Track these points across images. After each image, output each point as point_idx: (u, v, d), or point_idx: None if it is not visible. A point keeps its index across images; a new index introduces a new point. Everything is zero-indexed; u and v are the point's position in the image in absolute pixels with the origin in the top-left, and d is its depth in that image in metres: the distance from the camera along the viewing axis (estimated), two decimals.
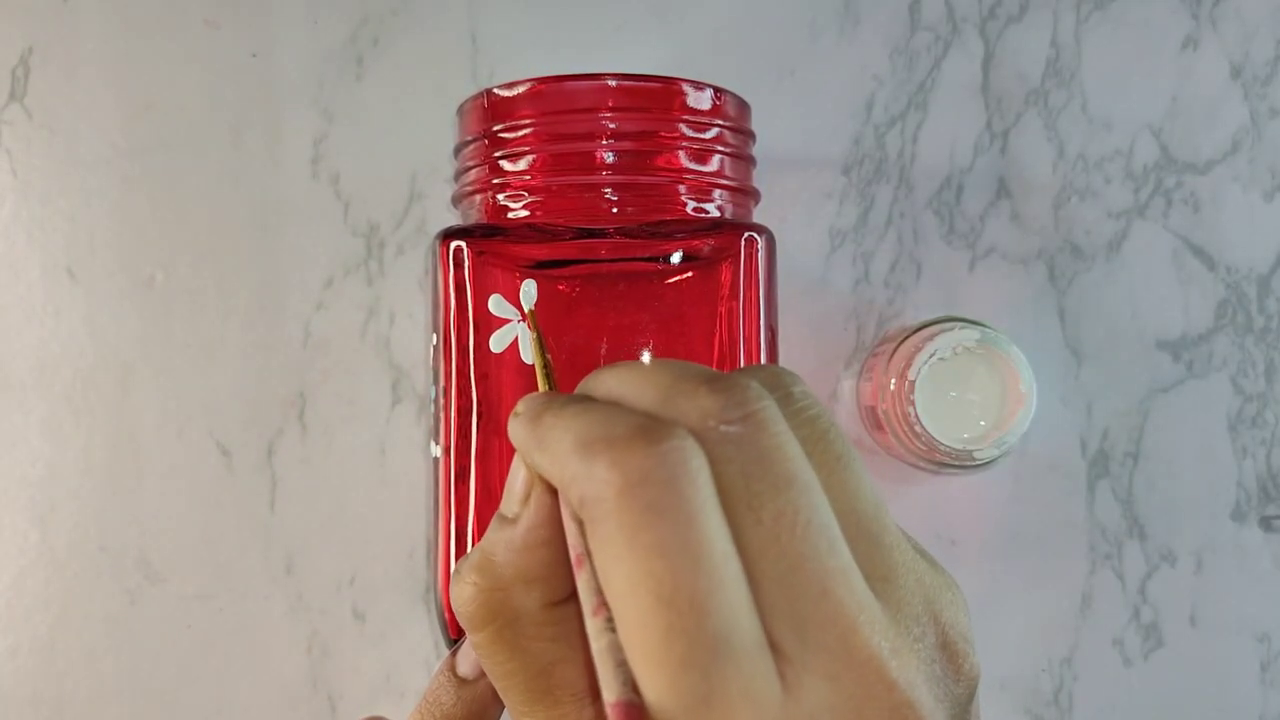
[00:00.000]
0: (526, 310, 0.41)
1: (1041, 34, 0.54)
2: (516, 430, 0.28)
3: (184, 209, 0.53)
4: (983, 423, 0.50)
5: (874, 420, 0.51)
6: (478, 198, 0.43)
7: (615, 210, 0.41)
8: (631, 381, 0.27)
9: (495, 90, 0.42)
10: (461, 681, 0.38)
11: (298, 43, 0.54)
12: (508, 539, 0.28)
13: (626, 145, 0.41)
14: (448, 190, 0.46)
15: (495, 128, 0.42)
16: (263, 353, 0.53)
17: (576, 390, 0.29)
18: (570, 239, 0.41)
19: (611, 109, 0.41)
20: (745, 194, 0.44)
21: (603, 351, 0.42)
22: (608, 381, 0.28)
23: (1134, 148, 0.54)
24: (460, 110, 0.44)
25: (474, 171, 0.43)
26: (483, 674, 0.38)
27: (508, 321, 0.41)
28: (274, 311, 0.53)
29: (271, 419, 0.53)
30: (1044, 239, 0.54)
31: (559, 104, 0.42)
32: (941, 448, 0.48)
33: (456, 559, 0.42)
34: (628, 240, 0.41)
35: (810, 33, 0.54)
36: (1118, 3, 0.54)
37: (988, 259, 0.54)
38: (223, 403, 0.53)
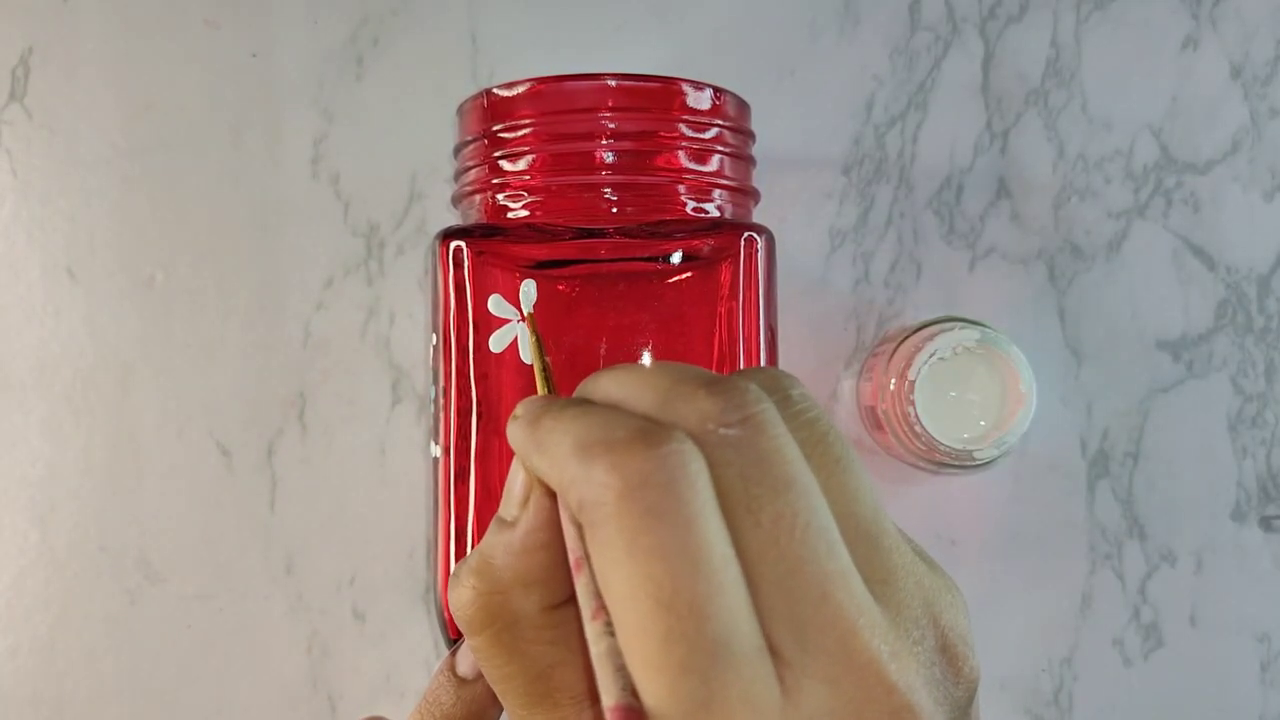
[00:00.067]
0: (526, 312, 0.41)
1: (1041, 34, 0.54)
2: (515, 433, 0.28)
3: (184, 209, 0.53)
4: (983, 423, 0.50)
5: (874, 420, 0.51)
6: (477, 198, 0.43)
7: (615, 210, 0.41)
8: (630, 384, 0.27)
9: (495, 90, 0.42)
10: (461, 681, 0.38)
11: (298, 43, 0.54)
12: (506, 542, 0.28)
13: (626, 145, 0.41)
14: (448, 190, 0.46)
15: (495, 128, 0.42)
16: (263, 353, 0.53)
17: (575, 394, 0.29)
18: (570, 239, 0.41)
19: (611, 109, 0.41)
20: (745, 194, 0.44)
21: (602, 351, 0.42)
22: (606, 384, 0.28)
23: (1134, 148, 0.54)
24: (460, 110, 0.44)
25: (474, 171, 0.43)
26: (482, 674, 0.38)
27: (507, 321, 0.41)
28: (274, 311, 0.53)
29: (271, 419, 0.53)
30: (1044, 239, 0.54)
31: (559, 104, 0.42)
32: (941, 448, 0.48)
33: (456, 559, 0.42)
34: (627, 240, 0.41)
35: (810, 33, 0.54)
36: (1118, 3, 0.54)
37: (988, 259, 0.54)
38: (223, 403, 0.53)
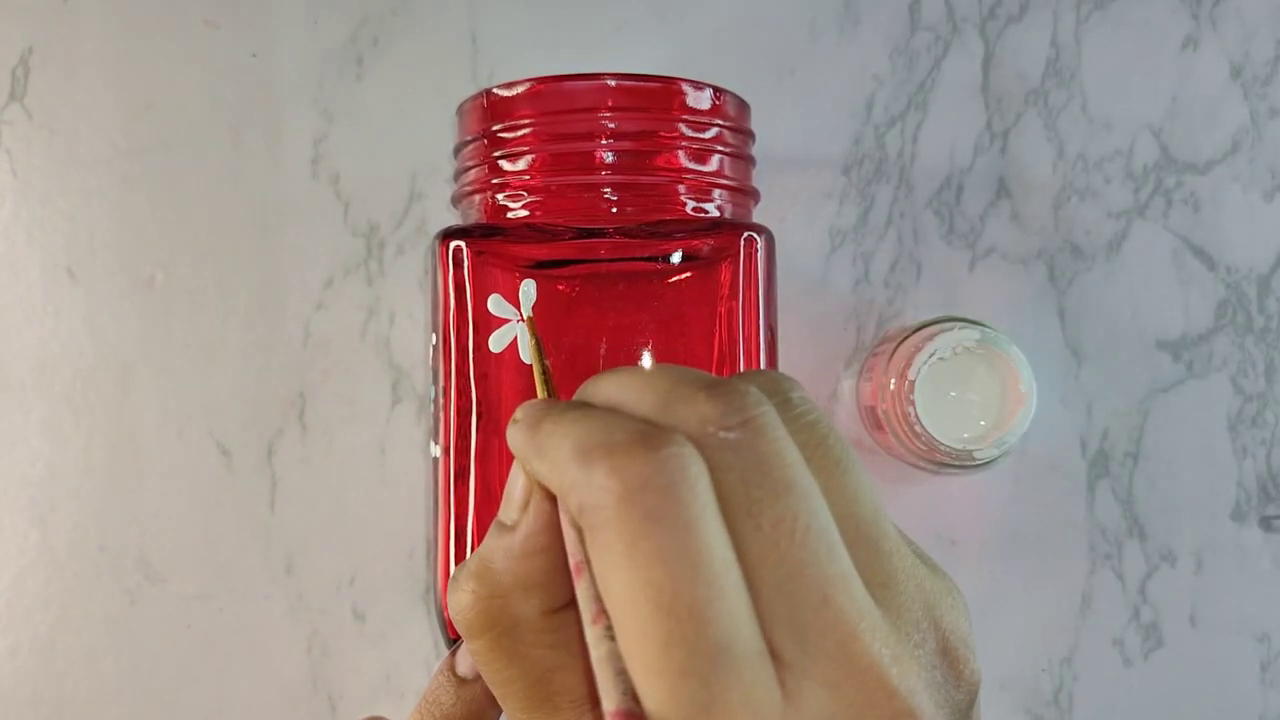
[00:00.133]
0: (525, 313, 0.41)
1: (1041, 34, 0.54)
2: (515, 437, 0.28)
3: (184, 209, 0.53)
4: (983, 423, 0.50)
5: (874, 420, 0.51)
6: (477, 198, 0.43)
7: (614, 210, 0.41)
8: (630, 387, 0.27)
9: (495, 90, 0.42)
10: (461, 681, 0.38)
11: (298, 43, 0.54)
12: (506, 546, 0.28)
13: (626, 145, 0.41)
14: (448, 190, 0.46)
15: (494, 127, 0.42)
16: (263, 353, 0.53)
17: (574, 397, 0.29)
18: (569, 239, 0.41)
19: (611, 109, 0.41)
20: (745, 194, 0.44)
21: (602, 351, 0.42)
22: (606, 387, 0.28)
23: (1134, 148, 0.54)
24: (460, 110, 0.44)
25: (473, 171, 0.43)
26: (481, 674, 0.38)
27: (507, 321, 0.41)
28: (274, 311, 0.53)
29: (271, 419, 0.53)
30: (1044, 239, 0.54)
31: (558, 104, 0.42)
32: (941, 448, 0.48)
33: (456, 559, 0.42)
34: (627, 240, 0.41)
35: (810, 33, 0.54)
36: (1118, 3, 0.54)
37: (988, 259, 0.54)
38: (223, 403, 0.53)
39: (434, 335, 0.43)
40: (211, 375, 0.53)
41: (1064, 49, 0.54)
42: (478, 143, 0.43)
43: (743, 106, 0.44)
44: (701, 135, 0.42)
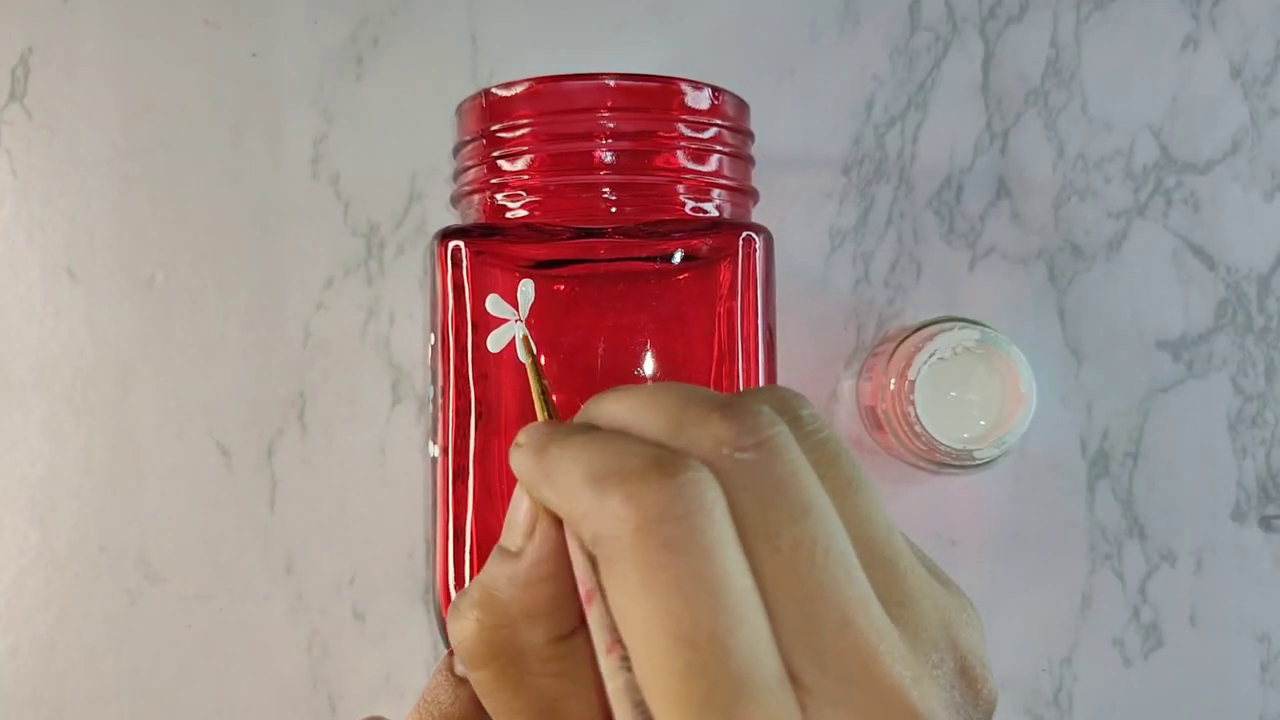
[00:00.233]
0: (519, 336, 0.41)
1: (1041, 34, 0.54)
2: (520, 462, 0.27)
3: (184, 209, 0.53)
4: (983, 423, 0.50)
5: (874, 420, 0.51)
6: (476, 197, 0.43)
7: (614, 210, 0.41)
8: (637, 408, 0.26)
9: (494, 90, 0.42)
10: (460, 680, 0.38)
11: (298, 43, 0.54)
12: (511, 573, 0.28)
13: (625, 145, 0.41)
14: (448, 190, 0.46)
15: (494, 127, 0.42)
16: (263, 353, 0.53)
17: (577, 418, 0.28)
18: (568, 239, 0.41)
19: (610, 109, 0.41)
20: (744, 194, 0.44)
21: (600, 351, 0.42)
22: (611, 408, 0.27)
23: (1134, 148, 0.54)
24: (459, 110, 0.44)
25: (472, 171, 0.43)
26: None
27: (505, 321, 0.41)
28: (274, 311, 0.53)
29: (271, 419, 0.53)
30: (1044, 239, 0.54)
31: (557, 104, 0.42)
32: (941, 448, 0.48)
33: (456, 559, 0.42)
34: (626, 240, 0.41)
35: (810, 33, 0.54)
36: (1118, 3, 0.54)
37: (988, 259, 0.54)
38: (223, 403, 0.53)
39: (433, 335, 0.43)
40: (211, 375, 0.53)
41: (1064, 49, 0.54)
42: (477, 143, 0.43)
43: (742, 106, 0.44)
44: (700, 135, 0.42)
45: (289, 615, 0.53)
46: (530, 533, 0.27)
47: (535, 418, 0.42)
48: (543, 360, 0.42)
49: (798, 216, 0.54)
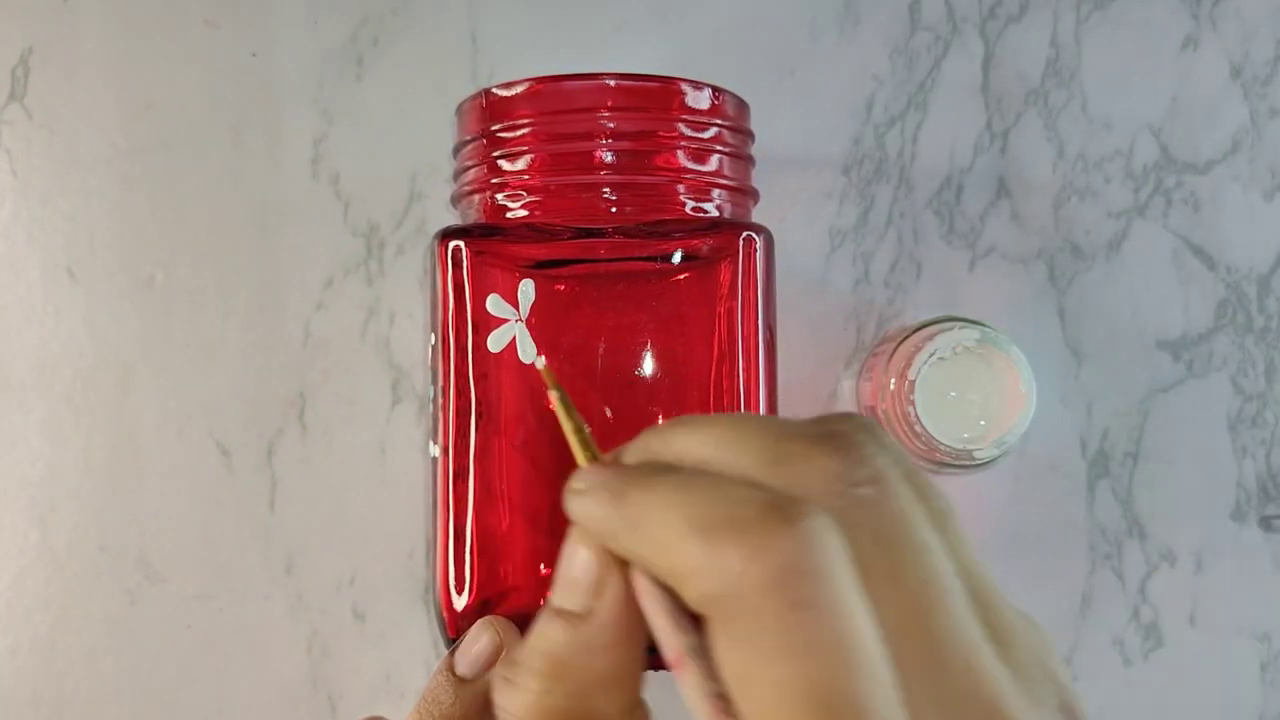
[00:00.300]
0: (542, 364, 0.39)
1: (1041, 34, 0.54)
2: (589, 510, 0.25)
3: (184, 209, 0.53)
4: (983, 423, 0.50)
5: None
6: (476, 197, 0.43)
7: (614, 210, 0.41)
8: (719, 442, 0.24)
9: (494, 90, 0.42)
10: (460, 681, 0.38)
11: (298, 43, 0.54)
12: (583, 640, 0.25)
13: (625, 145, 0.41)
14: (448, 190, 0.46)
15: (494, 127, 0.42)
16: (263, 353, 0.53)
17: (634, 454, 0.26)
18: (569, 239, 0.41)
19: (610, 109, 0.41)
20: (744, 194, 0.44)
21: (600, 351, 0.42)
22: (685, 443, 0.25)
23: (1134, 148, 0.54)
24: (459, 110, 0.44)
25: (473, 171, 0.43)
26: (481, 673, 0.38)
27: (505, 321, 0.41)
28: (274, 311, 0.53)
29: (271, 419, 0.53)
30: (1044, 239, 0.54)
31: (557, 104, 0.42)
32: (941, 448, 0.48)
33: (456, 559, 0.42)
34: (626, 240, 0.41)
35: (810, 33, 0.54)
36: (1118, 3, 0.54)
37: (988, 259, 0.54)
38: (223, 403, 0.53)
39: (433, 335, 0.43)
40: (211, 375, 0.53)
41: (1064, 49, 0.54)
42: (477, 142, 0.43)
43: (742, 106, 0.44)
44: (700, 135, 0.42)
45: (289, 615, 0.53)
46: (597, 591, 0.25)
47: (533, 417, 0.42)
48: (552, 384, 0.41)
49: (798, 216, 0.54)
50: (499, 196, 0.42)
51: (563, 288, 0.42)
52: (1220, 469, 0.54)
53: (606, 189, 0.41)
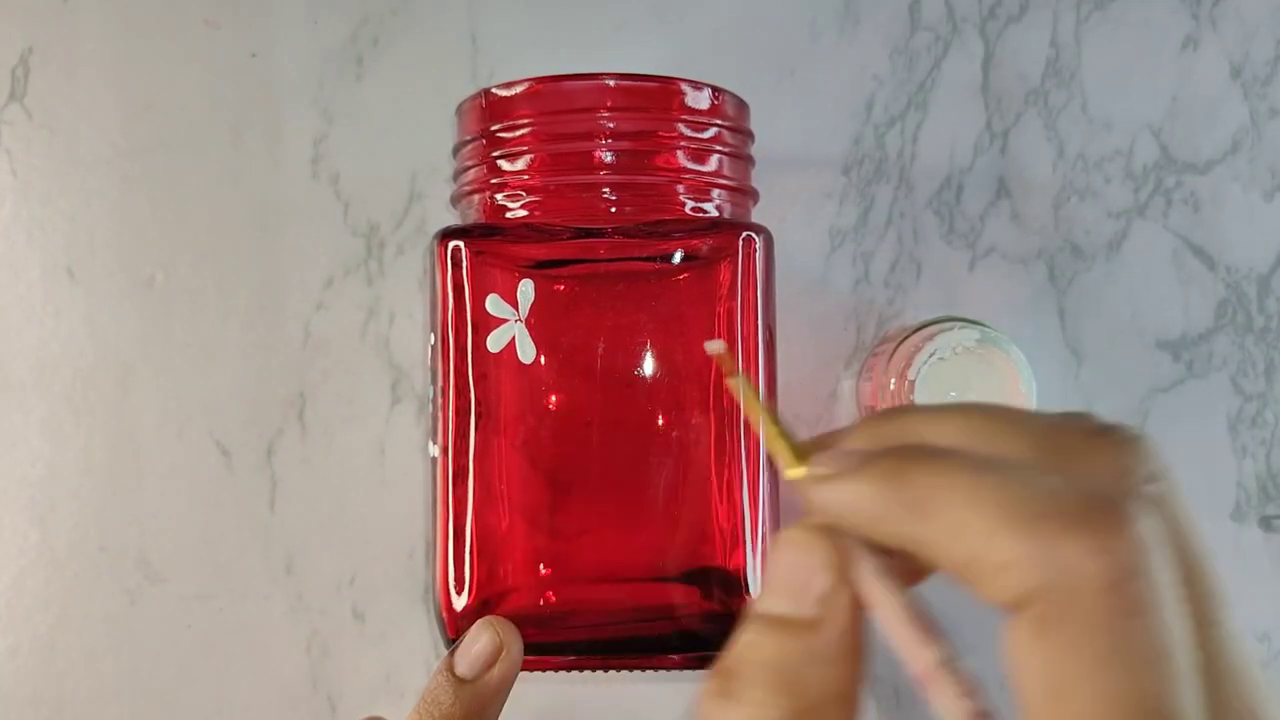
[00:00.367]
0: (720, 350, 0.37)
1: (1041, 34, 0.54)
2: (848, 493, 0.22)
3: (184, 209, 0.53)
4: None
5: None
6: (476, 197, 0.43)
7: (613, 210, 0.41)
8: (978, 431, 0.22)
9: (493, 90, 0.42)
10: (460, 681, 0.38)
11: (298, 43, 0.54)
12: (813, 650, 0.23)
13: (625, 145, 0.41)
14: (448, 190, 0.46)
15: (494, 127, 0.42)
16: (263, 353, 0.53)
17: (858, 438, 0.24)
18: (568, 239, 0.41)
19: (610, 109, 0.41)
20: (744, 194, 0.44)
21: (600, 351, 0.42)
22: (928, 429, 0.23)
23: (1134, 148, 0.54)
24: (459, 110, 0.44)
25: (472, 171, 0.43)
26: (481, 673, 0.38)
27: (505, 321, 0.41)
28: (274, 311, 0.53)
29: (271, 419, 0.53)
30: (1044, 239, 0.54)
31: (557, 104, 0.42)
32: None
33: (455, 559, 0.42)
34: (626, 240, 0.41)
35: (810, 33, 0.54)
36: (1118, 3, 0.54)
37: (988, 259, 0.54)
38: (223, 403, 0.53)
39: (433, 335, 0.43)
40: (211, 375, 0.53)
41: (1064, 49, 0.54)
42: (477, 143, 0.43)
43: (742, 106, 0.44)
44: (700, 135, 0.42)
45: (289, 615, 0.53)
46: (827, 596, 0.23)
47: (533, 417, 0.42)
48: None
49: (798, 216, 0.54)
50: (499, 196, 0.42)
51: (562, 288, 0.42)
52: (1220, 469, 0.54)
53: (606, 189, 0.41)
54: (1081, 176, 0.54)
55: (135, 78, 0.54)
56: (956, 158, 0.54)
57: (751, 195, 0.45)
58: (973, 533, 0.20)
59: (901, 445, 0.23)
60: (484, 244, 0.42)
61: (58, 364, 0.53)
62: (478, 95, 0.43)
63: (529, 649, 0.39)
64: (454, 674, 0.38)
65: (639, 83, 0.42)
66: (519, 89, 0.42)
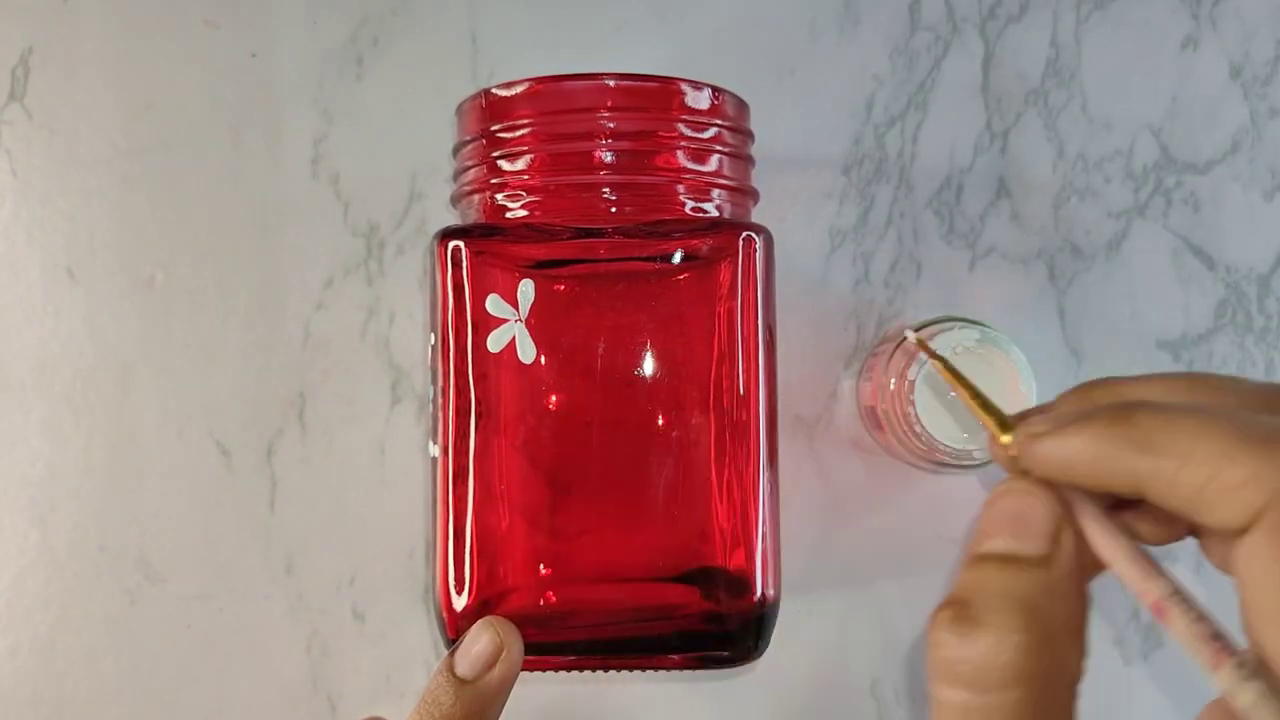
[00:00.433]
0: (914, 339, 0.38)
1: (1041, 34, 0.54)
2: (1071, 442, 0.24)
3: (184, 209, 0.53)
4: None
5: (874, 420, 0.51)
6: (476, 197, 0.43)
7: (614, 210, 0.41)
8: (1191, 389, 0.24)
9: (493, 90, 0.42)
10: (460, 681, 0.38)
11: (298, 43, 0.54)
12: (1048, 583, 0.24)
13: (625, 145, 0.41)
14: (448, 190, 0.46)
15: (494, 127, 0.42)
16: (263, 353, 0.53)
17: (1068, 402, 0.27)
18: (568, 239, 0.41)
19: (610, 109, 0.41)
20: (744, 194, 0.44)
21: (600, 351, 0.42)
22: (1139, 392, 0.25)
23: (1134, 148, 0.54)
24: (459, 110, 0.44)
25: (472, 171, 0.43)
26: (482, 674, 0.38)
27: (505, 321, 0.41)
28: (274, 311, 0.53)
29: (271, 419, 0.53)
30: (1044, 239, 0.54)
31: (557, 104, 0.42)
32: (941, 448, 0.48)
33: (455, 559, 0.42)
34: (626, 240, 0.41)
35: (810, 33, 0.54)
36: (1118, 3, 0.54)
37: (988, 259, 0.54)
38: (223, 403, 0.53)
39: (433, 335, 0.43)
40: (211, 375, 0.53)
41: (1064, 49, 0.54)
42: (477, 143, 0.43)
43: (742, 106, 0.44)
44: (700, 135, 0.42)
45: (289, 615, 0.53)
46: (1054, 536, 0.25)
47: (533, 417, 0.42)
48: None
49: (798, 216, 0.54)
50: (499, 196, 0.42)
51: (563, 288, 0.42)
52: None
53: (606, 189, 0.41)
54: (1081, 176, 0.54)
55: (135, 78, 0.54)
56: (956, 158, 0.54)
57: (751, 195, 0.45)
58: (1201, 460, 0.22)
59: (1118, 400, 0.25)
60: (484, 244, 0.42)
61: (58, 364, 0.53)
62: (478, 95, 0.43)
63: (529, 649, 0.39)
64: (454, 674, 0.38)
65: (639, 83, 0.42)
66: (519, 89, 0.42)
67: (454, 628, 0.42)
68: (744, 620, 0.42)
